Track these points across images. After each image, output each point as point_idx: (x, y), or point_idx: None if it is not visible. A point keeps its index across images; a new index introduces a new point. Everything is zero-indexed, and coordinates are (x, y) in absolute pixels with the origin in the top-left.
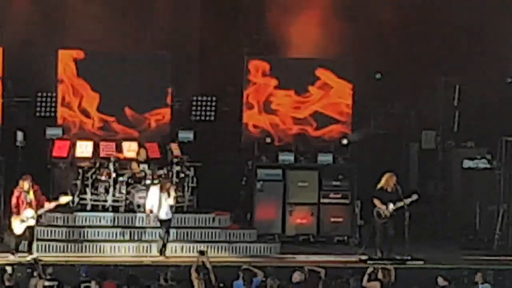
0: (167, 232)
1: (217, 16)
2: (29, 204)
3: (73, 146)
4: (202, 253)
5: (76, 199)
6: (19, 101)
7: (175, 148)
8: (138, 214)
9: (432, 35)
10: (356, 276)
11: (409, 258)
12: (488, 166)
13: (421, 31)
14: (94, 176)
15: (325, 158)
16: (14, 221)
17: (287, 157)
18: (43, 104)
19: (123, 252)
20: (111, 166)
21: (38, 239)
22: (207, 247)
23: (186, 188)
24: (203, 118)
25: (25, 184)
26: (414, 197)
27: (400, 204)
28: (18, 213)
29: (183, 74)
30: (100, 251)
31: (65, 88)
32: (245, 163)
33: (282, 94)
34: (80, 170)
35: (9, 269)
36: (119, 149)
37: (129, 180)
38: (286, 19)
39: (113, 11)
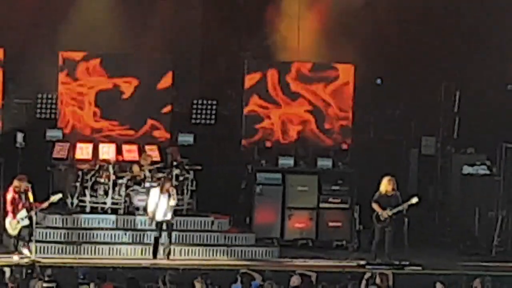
0: (169, 234)
1: (218, 20)
2: (24, 205)
3: (73, 148)
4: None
5: (76, 201)
6: (19, 102)
7: (174, 151)
8: (137, 217)
9: (433, 41)
10: (354, 281)
11: (407, 263)
12: (488, 172)
13: (422, 37)
14: (93, 178)
15: (324, 163)
16: (10, 221)
17: (286, 161)
18: (44, 105)
19: (122, 254)
20: (110, 169)
21: (37, 241)
22: (206, 250)
23: (185, 191)
24: (203, 121)
25: (22, 185)
26: (414, 200)
27: (399, 208)
28: (13, 213)
29: (184, 77)
30: (99, 253)
31: (66, 89)
32: (244, 166)
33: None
34: (80, 172)
35: (7, 270)
36: (119, 151)
37: (129, 183)
38: (286, 23)
39: (114, 13)
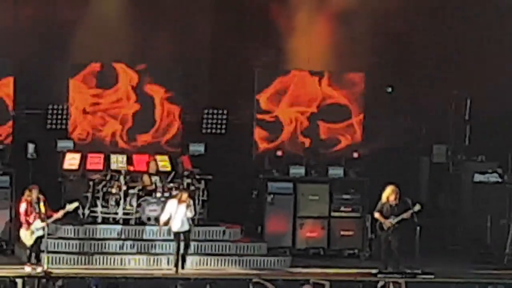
0: (186, 245)
1: (229, 28)
2: (38, 215)
3: (84, 158)
4: None
5: (87, 212)
6: (30, 113)
7: (185, 161)
8: (149, 227)
9: (443, 48)
10: None
11: (419, 272)
12: (499, 180)
13: (433, 44)
14: (105, 189)
15: (336, 172)
16: (25, 232)
17: (298, 171)
18: (55, 116)
19: (133, 264)
20: (121, 179)
21: (48, 252)
22: (218, 260)
23: (196, 201)
24: (214, 131)
25: (33, 194)
26: (416, 208)
27: (401, 216)
28: (28, 224)
29: (194, 86)
30: (110, 263)
31: (77, 100)
32: (256, 176)
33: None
34: (91, 183)
35: (19, 281)
36: (130, 162)
37: (140, 193)
38: (296, 32)
39: (125, 23)
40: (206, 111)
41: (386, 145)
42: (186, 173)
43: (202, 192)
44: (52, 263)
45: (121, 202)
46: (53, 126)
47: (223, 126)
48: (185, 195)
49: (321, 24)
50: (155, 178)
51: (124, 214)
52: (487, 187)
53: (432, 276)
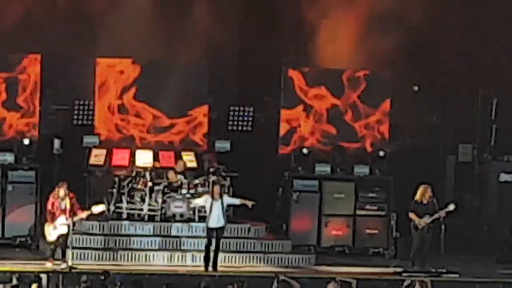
0: (218, 242)
1: (256, 26)
2: (63, 211)
3: (110, 154)
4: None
5: (112, 208)
6: (57, 109)
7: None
8: (174, 223)
9: (470, 48)
10: None
11: (444, 271)
12: None
13: (459, 43)
14: (130, 185)
15: (361, 170)
16: (47, 227)
17: (323, 168)
18: (81, 112)
19: (159, 261)
20: (147, 175)
21: (73, 247)
22: (243, 257)
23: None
24: (240, 128)
25: (61, 191)
26: (451, 207)
27: (436, 215)
28: (52, 219)
29: (221, 84)
30: (135, 259)
31: (103, 96)
32: (281, 173)
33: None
34: (116, 179)
35: (44, 276)
36: (156, 158)
37: (165, 190)
38: (324, 30)
39: (151, 20)
40: (232, 108)
41: (412, 144)
42: (212, 170)
43: (228, 189)
44: (77, 259)
45: (147, 198)
46: (79, 122)
47: (249, 124)
48: (216, 189)
49: (349, 22)
50: (180, 175)
51: (149, 210)
52: None
53: (457, 276)
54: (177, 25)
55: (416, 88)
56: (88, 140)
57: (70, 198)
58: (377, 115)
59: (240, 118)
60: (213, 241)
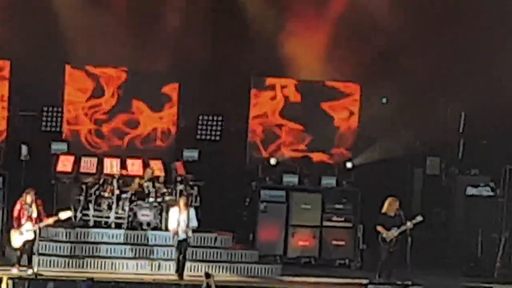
0: (184, 252)
1: (226, 36)
2: (30, 218)
3: (77, 161)
4: (208, 275)
5: (79, 215)
6: (24, 115)
7: (179, 166)
8: (140, 232)
9: (440, 61)
10: None
11: (409, 283)
12: (492, 194)
13: (429, 57)
14: (97, 192)
15: (328, 181)
16: (13, 233)
17: (291, 179)
18: (49, 118)
19: (124, 268)
20: (114, 183)
21: (39, 254)
22: (209, 267)
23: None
24: (208, 137)
25: (28, 198)
26: (419, 218)
27: (403, 227)
28: (18, 225)
29: (190, 93)
30: (101, 267)
31: (71, 103)
32: (249, 183)
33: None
34: (84, 186)
35: (10, 282)
36: (123, 166)
37: (132, 197)
38: (293, 41)
39: (121, 28)
40: (201, 117)
41: (380, 156)
42: (179, 178)
43: (195, 198)
44: (43, 266)
45: (113, 206)
46: (48, 128)
47: (218, 133)
48: (182, 202)
49: (318, 33)
50: (148, 183)
51: (116, 218)
52: (480, 200)
53: None
54: (147, 34)
55: (384, 100)
56: (56, 146)
57: (37, 205)
58: (345, 126)
59: (209, 128)
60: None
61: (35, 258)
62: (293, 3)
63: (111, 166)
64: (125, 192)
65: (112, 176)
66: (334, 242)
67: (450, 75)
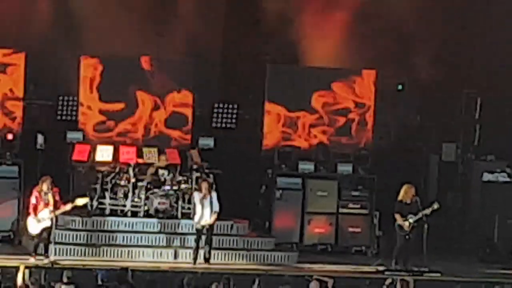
0: (209, 238)
1: (240, 23)
2: (47, 205)
3: (93, 150)
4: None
5: (95, 204)
6: (40, 104)
7: (195, 154)
8: (157, 220)
9: (455, 46)
10: (373, 287)
11: (426, 270)
12: (508, 179)
13: (444, 43)
14: (113, 181)
15: (345, 168)
16: (31, 221)
17: (307, 166)
18: (65, 107)
19: (141, 257)
20: (130, 171)
21: (56, 243)
22: (225, 254)
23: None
24: (223, 125)
25: (44, 185)
26: (435, 206)
27: (420, 215)
28: (35, 213)
29: (205, 80)
30: (118, 255)
31: (87, 92)
32: (264, 171)
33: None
34: (100, 175)
35: (27, 271)
36: (139, 154)
37: (148, 186)
38: (309, 27)
39: (136, 16)
40: (216, 105)
41: (396, 143)
42: (195, 166)
43: (211, 186)
44: (59, 254)
45: (130, 194)
46: (63, 117)
47: (233, 121)
48: (204, 186)
49: (334, 20)
50: (163, 171)
51: (132, 206)
52: (496, 186)
53: (439, 275)
54: (161, 22)
55: (400, 87)
56: (71, 135)
57: (54, 193)
58: (361, 113)
59: (224, 116)
60: (203, 237)
61: (51, 247)
62: None
63: (127, 154)
64: (141, 180)
65: (128, 164)
66: (350, 229)
67: (466, 60)
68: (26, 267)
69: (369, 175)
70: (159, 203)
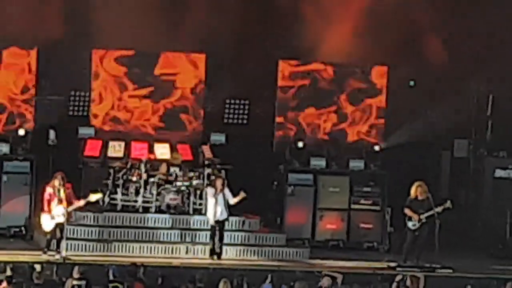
0: (221, 234)
1: (252, 18)
2: (60, 201)
3: (105, 146)
4: None
5: (107, 199)
6: (52, 99)
7: (206, 150)
8: (168, 216)
9: (467, 43)
10: (385, 283)
11: (438, 266)
12: None
13: (456, 39)
14: (125, 177)
15: (356, 164)
16: (44, 217)
17: (318, 162)
18: (77, 103)
19: (152, 252)
20: (142, 167)
21: (67, 238)
22: (237, 250)
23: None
24: (235, 121)
25: (56, 181)
26: (447, 204)
27: (431, 212)
28: (49, 209)
29: (217, 76)
30: (130, 251)
31: (99, 87)
32: (276, 167)
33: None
34: (111, 170)
35: (38, 267)
36: (151, 150)
37: (160, 182)
38: (321, 24)
39: (148, 11)
40: (228, 101)
41: (408, 139)
42: (206, 162)
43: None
44: (71, 250)
45: (141, 190)
46: (75, 113)
47: (245, 117)
48: (219, 182)
49: (346, 16)
50: (175, 168)
51: (144, 202)
52: (508, 182)
53: (451, 271)
54: (173, 17)
55: (412, 83)
56: (83, 131)
57: (66, 189)
58: (372, 109)
59: (236, 111)
60: (217, 233)
61: (63, 243)
62: None
63: (139, 150)
64: (153, 176)
65: (140, 160)
66: (362, 225)
67: (478, 56)
68: (37, 263)
69: (381, 171)
70: (170, 199)
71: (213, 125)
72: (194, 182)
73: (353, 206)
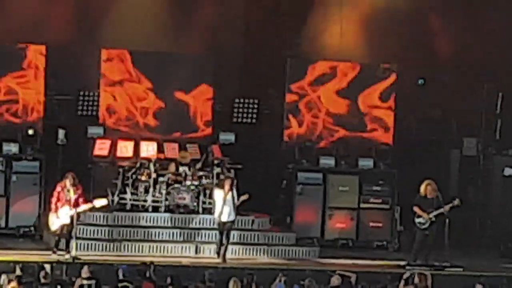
0: (228, 235)
1: (261, 18)
2: (67, 202)
3: (114, 145)
4: None
5: (116, 199)
6: (61, 99)
7: (216, 150)
8: (178, 215)
9: (476, 41)
10: (395, 282)
11: (448, 264)
12: None
13: (465, 37)
14: (134, 176)
15: (366, 163)
16: (51, 216)
17: (327, 161)
18: (85, 102)
19: (162, 252)
20: (151, 167)
21: (77, 238)
22: (246, 249)
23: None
24: (244, 120)
25: (67, 182)
26: (456, 202)
27: (440, 210)
28: (55, 209)
29: (225, 75)
30: (139, 251)
31: (108, 87)
32: (285, 166)
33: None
34: (121, 170)
35: (47, 267)
36: (160, 149)
37: (169, 181)
38: (329, 22)
39: (156, 11)
40: (237, 100)
41: (417, 137)
42: (216, 161)
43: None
44: (81, 250)
45: (150, 189)
46: (84, 113)
47: (254, 116)
48: (227, 183)
49: (354, 14)
50: (184, 167)
51: (153, 201)
52: None
53: (461, 269)
54: (182, 16)
55: (421, 81)
56: (92, 131)
57: (76, 190)
58: (382, 108)
59: (245, 110)
60: (224, 232)
61: (72, 242)
62: None
63: (148, 149)
64: (162, 175)
65: (149, 159)
66: (372, 224)
67: (487, 55)
68: (47, 262)
69: (390, 170)
70: (180, 198)
71: (222, 124)
72: (204, 181)
73: (362, 205)
